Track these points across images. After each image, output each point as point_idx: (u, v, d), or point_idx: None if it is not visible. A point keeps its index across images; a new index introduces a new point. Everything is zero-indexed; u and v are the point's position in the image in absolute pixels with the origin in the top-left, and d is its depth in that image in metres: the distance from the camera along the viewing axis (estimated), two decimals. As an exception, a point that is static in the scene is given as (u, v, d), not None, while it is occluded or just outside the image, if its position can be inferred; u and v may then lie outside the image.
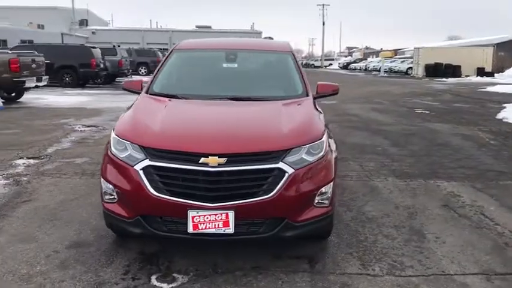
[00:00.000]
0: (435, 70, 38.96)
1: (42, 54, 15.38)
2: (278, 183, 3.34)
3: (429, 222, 4.66)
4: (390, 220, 4.69)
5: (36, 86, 14.74)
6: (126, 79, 4.85)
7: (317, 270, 3.61)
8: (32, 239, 4.08)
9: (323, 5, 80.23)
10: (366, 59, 70.28)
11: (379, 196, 5.44)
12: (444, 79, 35.07)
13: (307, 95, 4.52)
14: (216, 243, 3.78)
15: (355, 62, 70.02)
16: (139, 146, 3.45)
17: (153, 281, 3.42)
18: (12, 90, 14.58)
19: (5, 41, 42.23)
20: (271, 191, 3.33)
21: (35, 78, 14.26)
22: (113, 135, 3.72)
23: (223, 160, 3.29)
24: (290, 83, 4.75)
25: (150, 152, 3.41)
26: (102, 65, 22.89)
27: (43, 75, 14.90)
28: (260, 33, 62.99)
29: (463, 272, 3.63)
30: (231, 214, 3.28)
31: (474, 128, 10.63)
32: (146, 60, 33.61)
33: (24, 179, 5.91)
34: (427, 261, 3.81)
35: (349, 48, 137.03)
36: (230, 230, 3.31)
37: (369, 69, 56.43)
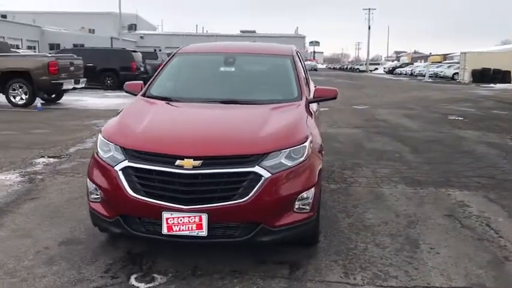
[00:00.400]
0: (482, 75, 37.43)
1: (80, 58, 15.94)
2: (254, 187, 3.32)
3: (428, 232, 4.50)
4: (387, 228, 4.56)
5: (74, 88, 15.29)
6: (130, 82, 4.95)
7: (296, 277, 3.56)
8: (29, 235, 4.23)
9: (369, 9, 79.19)
10: (412, 64, 68.65)
11: (383, 203, 5.30)
12: (492, 85, 33.69)
13: (301, 99, 4.48)
14: (198, 245, 3.79)
15: (400, 66, 68.55)
16: (120, 147, 3.53)
17: (132, 280, 3.47)
18: (52, 92, 15.18)
19: (58, 45, 44.36)
20: (247, 195, 3.31)
21: (72, 80, 14.79)
22: (99, 136, 3.81)
23: (198, 163, 3.30)
24: (285, 87, 4.71)
25: (130, 153, 3.47)
26: (142, 69, 23.47)
27: (81, 77, 15.43)
28: (304, 37, 62.96)
29: (449, 285, 3.48)
30: (205, 217, 3.29)
31: (506, 136, 10.18)
32: (188, 64, 34.13)
33: (39, 177, 6.14)
34: (414, 272, 3.67)
35: (397, 52, 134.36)
36: (203, 233, 3.32)
37: (415, 74, 55.10)
